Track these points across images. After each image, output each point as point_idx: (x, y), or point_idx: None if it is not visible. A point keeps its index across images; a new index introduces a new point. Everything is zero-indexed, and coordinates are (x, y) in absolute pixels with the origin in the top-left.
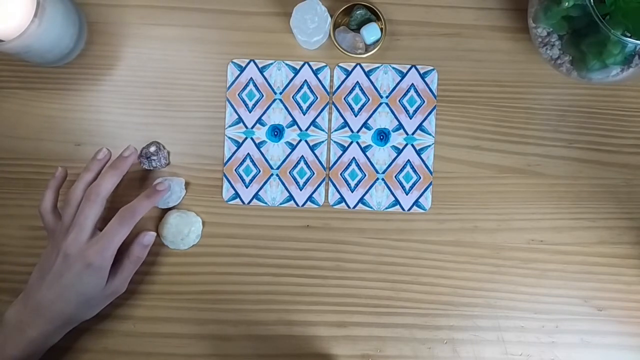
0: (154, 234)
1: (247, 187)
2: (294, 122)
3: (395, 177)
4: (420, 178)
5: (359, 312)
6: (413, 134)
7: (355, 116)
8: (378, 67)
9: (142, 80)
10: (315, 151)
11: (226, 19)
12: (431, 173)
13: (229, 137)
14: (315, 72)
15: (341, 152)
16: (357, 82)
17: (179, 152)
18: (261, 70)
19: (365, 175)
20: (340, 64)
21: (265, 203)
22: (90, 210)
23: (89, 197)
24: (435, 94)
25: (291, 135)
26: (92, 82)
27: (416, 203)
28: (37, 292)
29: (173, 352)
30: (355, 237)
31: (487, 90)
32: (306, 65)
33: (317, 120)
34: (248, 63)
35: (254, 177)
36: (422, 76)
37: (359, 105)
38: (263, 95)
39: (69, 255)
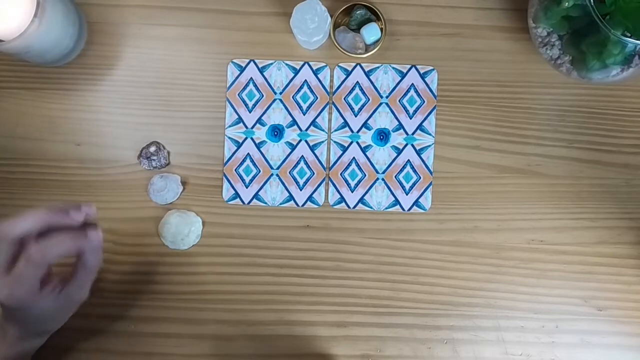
0: (99, 231)
1: (247, 187)
2: (294, 122)
3: (395, 177)
4: (420, 178)
5: (359, 312)
6: (413, 134)
7: (355, 116)
8: (378, 67)
9: (141, 80)
10: (315, 151)
11: (226, 19)
12: (431, 173)
13: (229, 137)
14: (315, 72)
15: (341, 152)
16: (357, 82)
17: (179, 152)
18: (261, 70)
19: (365, 175)
20: (340, 64)
21: (265, 203)
22: None
23: None
24: (435, 94)
25: (291, 135)
26: (92, 82)
27: (416, 203)
28: None
29: (173, 352)
30: (355, 237)
31: (487, 90)
32: (306, 65)
33: (317, 120)
34: (248, 63)
35: (254, 177)
36: (422, 76)
37: (359, 105)
38: (263, 95)
39: None
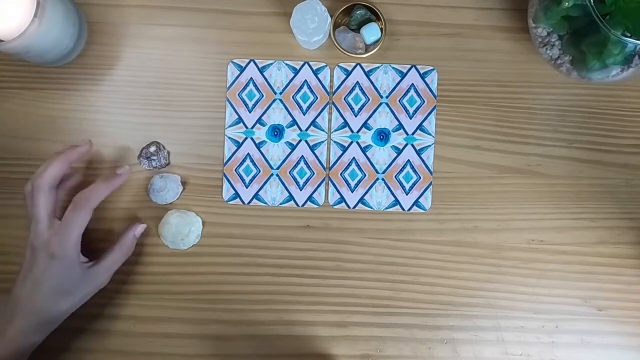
0: (145, 226)
1: (247, 187)
2: (294, 122)
3: (395, 177)
4: (420, 178)
5: (359, 312)
6: (413, 134)
7: (355, 116)
8: (378, 67)
9: (141, 80)
10: (315, 151)
11: (226, 19)
12: (431, 173)
13: (229, 137)
14: (315, 72)
15: (341, 152)
16: (357, 82)
17: (179, 152)
18: (261, 70)
19: (365, 175)
20: (340, 64)
21: (265, 203)
22: (38, 199)
23: (33, 185)
24: (435, 94)
25: (291, 135)
26: (92, 82)
27: (416, 203)
28: (14, 289)
29: (173, 352)
30: (355, 237)
31: (487, 90)
32: (306, 65)
33: (317, 120)
34: (248, 63)
35: (254, 177)
36: (422, 76)
37: (359, 105)
38: (263, 95)
39: (34, 247)
